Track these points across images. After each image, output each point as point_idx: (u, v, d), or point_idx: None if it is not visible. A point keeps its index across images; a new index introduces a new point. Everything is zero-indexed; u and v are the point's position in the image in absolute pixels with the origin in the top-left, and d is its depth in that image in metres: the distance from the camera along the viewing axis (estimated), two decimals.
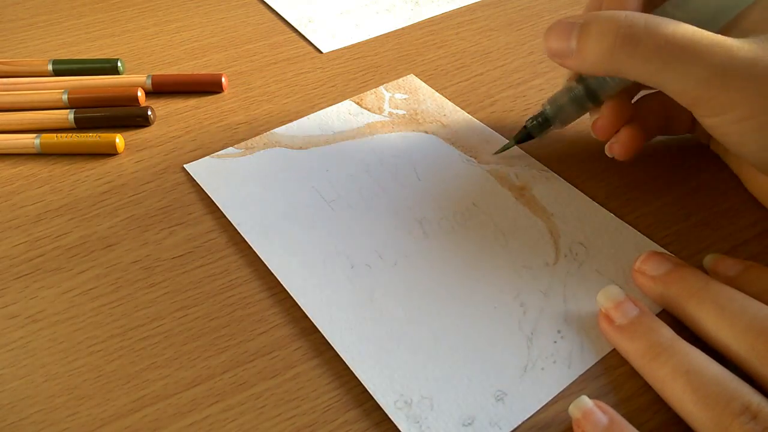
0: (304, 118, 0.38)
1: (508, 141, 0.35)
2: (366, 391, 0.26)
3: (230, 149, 0.36)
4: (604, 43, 0.27)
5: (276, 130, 0.37)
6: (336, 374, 0.26)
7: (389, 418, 0.25)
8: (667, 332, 0.25)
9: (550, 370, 0.26)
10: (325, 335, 0.27)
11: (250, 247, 0.31)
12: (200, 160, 0.36)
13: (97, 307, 0.29)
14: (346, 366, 0.26)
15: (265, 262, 0.30)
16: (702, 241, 0.31)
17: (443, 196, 0.33)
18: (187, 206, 0.34)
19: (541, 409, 0.25)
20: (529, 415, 0.25)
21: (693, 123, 0.34)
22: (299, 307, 0.29)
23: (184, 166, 0.35)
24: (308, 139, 0.37)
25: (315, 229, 0.32)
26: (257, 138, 0.37)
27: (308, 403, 0.26)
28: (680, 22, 0.26)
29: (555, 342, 0.27)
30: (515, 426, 0.24)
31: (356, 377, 0.26)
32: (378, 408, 0.25)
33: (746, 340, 0.23)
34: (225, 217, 0.33)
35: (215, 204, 0.33)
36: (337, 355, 0.27)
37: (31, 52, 0.45)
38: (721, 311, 0.24)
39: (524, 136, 0.34)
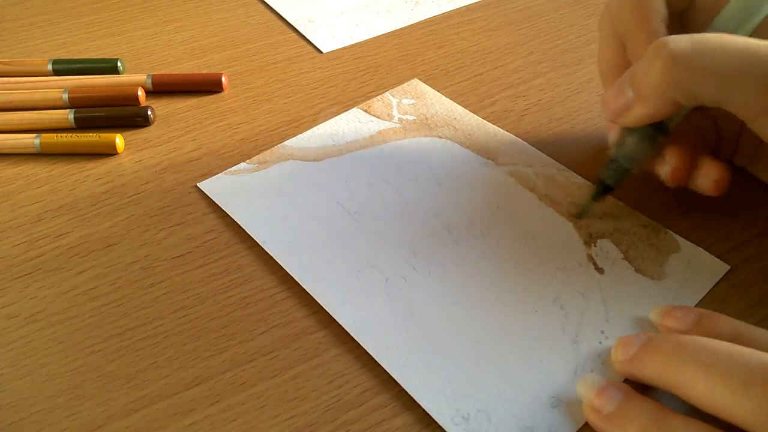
0: (314, 129, 0.37)
1: (584, 203, 0.32)
2: (365, 391, 0.26)
3: (242, 165, 0.35)
4: (657, 74, 0.26)
5: (287, 142, 0.37)
6: (336, 374, 0.26)
7: (392, 419, 0.25)
8: (657, 409, 0.23)
9: (599, 372, 0.26)
10: (371, 353, 0.27)
11: (250, 248, 0.31)
12: (213, 177, 0.35)
13: (97, 307, 0.29)
14: (346, 366, 0.27)
15: (298, 281, 0.29)
16: (702, 242, 0.31)
17: (467, 201, 0.33)
18: (187, 206, 0.34)
19: None
20: (585, 420, 0.24)
21: (736, 145, 0.33)
22: (299, 307, 0.29)
23: (198, 184, 0.34)
24: (321, 151, 0.36)
25: (343, 244, 0.31)
26: (268, 152, 0.36)
27: (308, 403, 0.26)
28: (720, 33, 0.26)
29: (600, 343, 0.27)
30: None
31: (358, 378, 0.26)
32: (378, 408, 0.25)
33: (748, 397, 0.20)
34: (224, 217, 0.33)
35: (215, 204, 0.33)
36: (337, 354, 0.27)
37: (31, 51, 0.45)
38: (706, 371, 0.22)
39: (602, 189, 0.31)
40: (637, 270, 0.30)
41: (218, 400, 0.26)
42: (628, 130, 0.29)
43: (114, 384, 0.26)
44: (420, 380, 0.26)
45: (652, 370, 0.24)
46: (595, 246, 0.31)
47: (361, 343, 0.27)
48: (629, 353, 0.25)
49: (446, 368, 0.26)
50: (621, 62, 0.30)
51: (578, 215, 0.32)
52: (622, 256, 0.30)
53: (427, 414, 0.25)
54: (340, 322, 0.28)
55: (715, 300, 0.29)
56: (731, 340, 0.23)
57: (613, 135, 0.31)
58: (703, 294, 0.29)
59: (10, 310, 0.29)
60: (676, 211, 0.33)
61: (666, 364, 0.23)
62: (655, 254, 0.30)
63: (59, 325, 0.28)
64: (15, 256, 0.31)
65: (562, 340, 0.27)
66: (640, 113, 0.28)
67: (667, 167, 0.30)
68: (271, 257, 0.31)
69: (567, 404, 0.25)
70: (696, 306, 0.28)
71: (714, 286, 0.29)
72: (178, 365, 0.27)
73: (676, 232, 0.31)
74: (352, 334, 0.27)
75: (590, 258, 0.30)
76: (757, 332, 0.24)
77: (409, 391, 0.25)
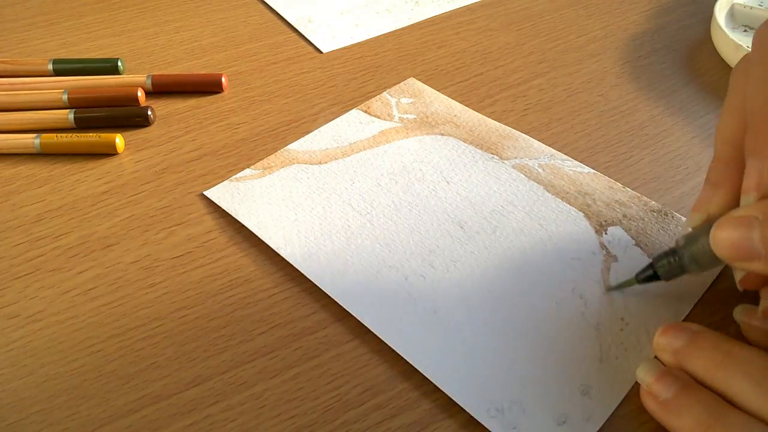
0: (315, 132, 0.37)
1: (624, 281, 0.29)
2: (365, 391, 0.26)
3: (247, 171, 0.35)
4: None
5: (290, 146, 0.37)
6: (336, 374, 0.26)
7: (392, 419, 0.25)
8: (715, 403, 0.22)
9: (623, 358, 0.26)
10: (400, 353, 0.27)
11: (250, 248, 0.31)
12: (219, 185, 0.34)
13: (97, 307, 0.29)
14: (346, 366, 0.27)
15: (318, 285, 0.29)
16: None
17: (476, 196, 0.33)
18: (187, 206, 0.34)
19: (626, 396, 0.25)
20: (617, 404, 0.25)
21: None
22: (299, 307, 0.29)
23: (204, 192, 0.34)
24: (325, 153, 0.36)
25: (358, 245, 0.31)
26: (272, 157, 0.36)
27: (308, 403, 0.26)
28: None
29: (621, 330, 0.27)
30: (607, 417, 0.25)
31: (358, 378, 0.26)
32: (378, 408, 0.25)
33: None
34: (224, 217, 0.33)
35: (215, 204, 0.33)
36: (337, 354, 0.27)
37: (31, 52, 0.45)
38: (757, 386, 0.22)
39: (650, 276, 0.27)
40: (650, 255, 0.30)
41: (218, 400, 0.26)
42: (706, 232, 0.25)
43: (114, 384, 0.26)
44: (452, 377, 0.26)
45: (698, 369, 0.24)
46: (606, 234, 0.31)
47: (391, 346, 0.27)
48: (675, 344, 0.24)
49: (475, 363, 0.26)
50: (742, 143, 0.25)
51: (613, 288, 0.29)
52: (633, 242, 0.31)
53: (426, 414, 0.25)
54: (366, 325, 0.28)
55: (717, 299, 0.29)
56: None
57: (692, 220, 0.27)
58: (714, 276, 0.29)
59: (10, 310, 0.29)
60: (681, 193, 0.33)
61: (714, 369, 0.23)
62: (666, 238, 0.31)
63: (59, 325, 0.28)
64: (15, 256, 0.31)
65: (584, 328, 0.27)
66: (762, 269, 0.23)
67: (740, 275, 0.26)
68: (271, 258, 0.31)
69: (597, 391, 0.25)
70: (704, 294, 0.29)
71: (711, 286, 0.29)
72: (178, 365, 0.27)
73: (681, 214, 0.32)
74: (378, 334, 0.27)
75: (603, 246, 0.31)
76: (737, 347, 0.23)
77: (443, 389, 0.25)
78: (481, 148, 0.36)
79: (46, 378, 0.26)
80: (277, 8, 0.49)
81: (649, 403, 0.24)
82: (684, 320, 0.28)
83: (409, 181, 0.34)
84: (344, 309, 0.28)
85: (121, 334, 0.28)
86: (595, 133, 0.37)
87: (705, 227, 0.25)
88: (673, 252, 0.26)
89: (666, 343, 0.25)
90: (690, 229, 0.27)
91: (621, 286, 0.29)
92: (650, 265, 0.27)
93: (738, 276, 0.27)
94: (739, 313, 0.27)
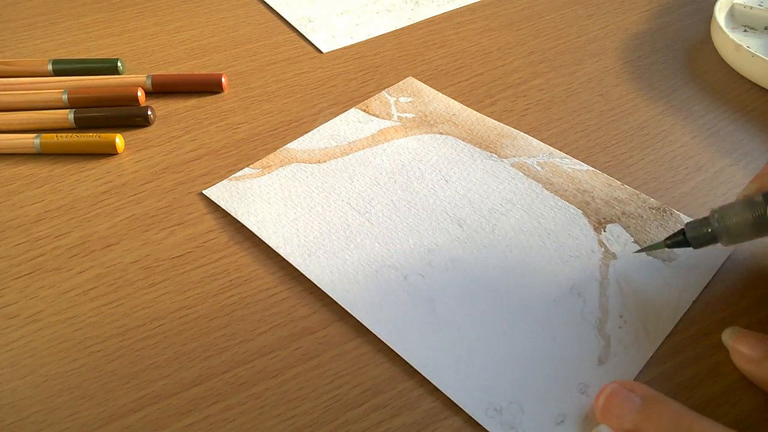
0: (314, 131, 0.38)
1: (653, 244, 0.29)
2: (365, 391, 0.26)
3: (246, 170, 0.35)
4: None
5: (289, 145, 0.37)
6: (336, 374, 0.26)
7: (391, 419, 0.25)
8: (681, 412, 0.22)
9: (622, 356, 0.26)
10: (397, 352, 0.27)
11: (250, 248, 0.31)
12: (218, 184, 0.34)
13: (97, 307, 0.29)
14: (346, 366, 0.27)
15: (317, 284, 0.29)
16: None
17: (475, 194, 0.33)
18: (187, 206, 0.34)
19: None
20: None
21: None
22: (299, 307, 0.29)
23: (203, 192, 0.34)
24: (324, 152, 0.36)
25: (357, 244, 0.31)
26: (271, 156, 0.36)
27: (308, 403, 0.26)
28: None
29: (620, 327, 0.27)
30: None
31: (358, 377, 0.26)
32: (377, 408, 0.25)
33: None
34: (224, 217, 0.33)
35: (215, 204, 0.33)
36: (337, 354, 0.27)
37: (31, 52, 0.45)
38: None
39: (681, 242, 0.28)
40: (648, 253, 0.30)
41: (218, 400, 0.26)
42: (738, 207, 0.26)
43: (114, 384, 0.26)
44: (451, 377, 0.26)
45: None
46: (605, 231, 0.31)
47: (389, 344, 0.27)
48: (625, 413, 0.23)
49: (474, 363, 0.26)
50: None
51: (641, 250, 0.30)
52: (632, 239, 0.31)
53: (426, 414, 0.25)
54: (364, 324, 0.28)
55: (717, 299, 0.29)
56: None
57: (748, 189, 0.27)
58: (712, 274, 0.29)
59: (10, 310, 0.29)
60: (681, 193, 0.33)
61: None
62: (664, 236, 0.31)
63: (59, 325, 0.28)
64: (15, 256, 0.31)
65: (583, 326, 0.27)
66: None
67: None
68: (271, 257, 0.31)
69: (595, 390, 0.25)
70: (702, 291, 0.29)
71: (710, 284, 0.29)
72: (178, 365, 0.27)
73: (681, 212, 0.32)
74: (377, 335, 0.27)
75: (601, 243, 0.31)
76: (698, 424, 0.22)
77: (442, 389, 0.25)
78: (479, 147, 0.36)
79: (46, 378, 0.26)
80: (277, 8, 0.49)
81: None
82: (683, 318, 0.28)
83: (408, 180, 0.34)
84: (344, 308, 0.28)
85: (121, 334, 0.28)
86: (594, 133, 0.37)
87: (746, 202, 0.26)
88: (705, 221, 0.27)
89: (614, 413, 0.23)
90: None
91: (649, 249, 0.29)
92: (681, 231, 0.28)
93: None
94: (729, 338, 0.26)
